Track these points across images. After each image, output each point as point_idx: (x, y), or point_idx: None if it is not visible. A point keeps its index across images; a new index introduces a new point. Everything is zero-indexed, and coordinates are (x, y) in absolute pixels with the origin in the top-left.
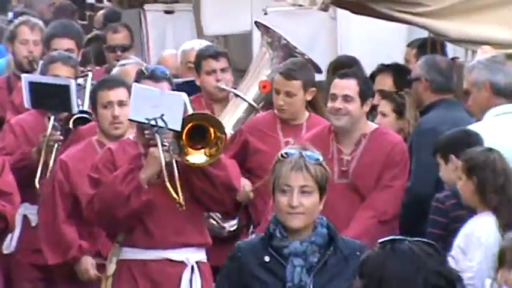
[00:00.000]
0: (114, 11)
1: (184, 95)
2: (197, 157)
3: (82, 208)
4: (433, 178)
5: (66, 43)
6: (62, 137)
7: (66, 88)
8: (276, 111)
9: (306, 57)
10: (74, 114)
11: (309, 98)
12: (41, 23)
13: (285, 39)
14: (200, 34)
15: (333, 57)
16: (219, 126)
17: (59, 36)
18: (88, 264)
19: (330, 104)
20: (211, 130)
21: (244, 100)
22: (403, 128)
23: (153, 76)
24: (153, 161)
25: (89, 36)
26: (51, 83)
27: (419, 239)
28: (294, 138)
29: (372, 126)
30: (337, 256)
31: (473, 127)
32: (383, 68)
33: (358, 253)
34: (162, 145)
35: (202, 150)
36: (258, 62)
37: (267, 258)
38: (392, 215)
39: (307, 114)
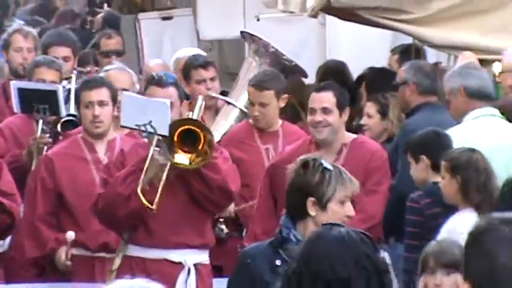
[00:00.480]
0: (113, 15)
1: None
2: (180, 157)
3: (66, 202)
4: None
5: (63, 51)
6: (51, 140)
7: (54, 93)
8: (250, 120)
9: (293, 63)
10: (61, 118)
11: (282, 105)
12: (34, 31)
13: (273, 47)
14: (198, 40)
15: (322, 61)
16: (211, 141)
17: (55, 44)
18: (62, 252)
19: (309, 118)
20: (203, 140)
21: (236, 106)
22: (386, 128)
23: (159, 82)
24: (152, 163)
25: (93, 41)
26: (40, 88)
27: (358, 230)
28: (272, 145)
29: (350, 136)
30: None
31: (454, 130)
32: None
33: None
34: (154, 148)
35: (189, 155)
36: (245, 70)
37: (278, 262)
38: (379, 218)
39: (280, 121)
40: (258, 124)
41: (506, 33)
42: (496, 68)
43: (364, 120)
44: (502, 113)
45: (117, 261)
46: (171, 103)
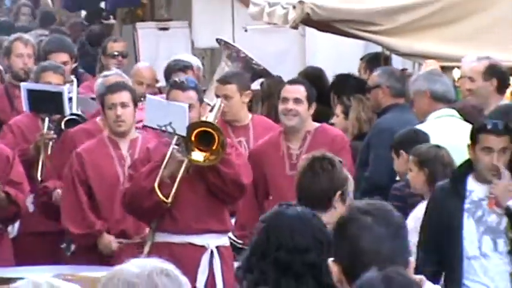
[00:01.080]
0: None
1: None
2: (196, 155)
3: (93, 193)
4: (389, 170)
5: (62, 56)
6: (55, 136)
7: (59, 94)
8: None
9: (261, 67)
10: (65, 116)
11: (245, 100)
12: (32, 39)
13: (244, 53)
14: (193, 48)
15: (302, 67)
16: (224, 141)
17: (55, 51)
18: (113, 240)
19: (281, 106)
20: (217, 141)
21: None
22: (347, 127)
23: (181, 86)
24: (171, 160)
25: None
26: (46, 90)
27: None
28: (244, 138)
29: (314, 124)
30: None
31: (420, 127)
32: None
33: None
34: (174, 146)
35: (204, 153)
36: (218, 73)
37: None
38: None
39: (250, 115)
40: (225, 117)
41: (465, 43)
42: (456, 74)
43: (333, 119)
44: (461, 114)
45: (147, 248)
46: (191, 105)
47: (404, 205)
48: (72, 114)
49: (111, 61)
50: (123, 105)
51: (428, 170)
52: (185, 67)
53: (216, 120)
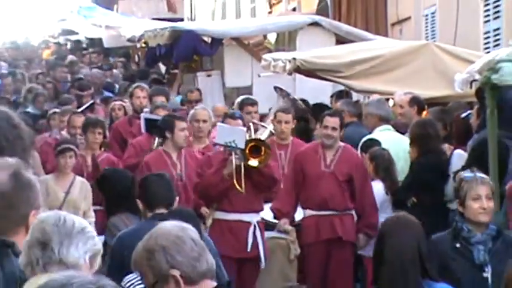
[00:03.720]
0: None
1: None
2: (253, 162)
3: None
4: None
5: (160, 98)
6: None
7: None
8: (275, 137)
9: (303, 106)
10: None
11: (293, 126)
12: (146, 86)
13: (291, 96)
14: (224, 87)
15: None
16: (268, 148)
17: (157, 94)
18: None
19: (324, 131)
20: (263, 149)
21: (266, 128)
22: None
23: (231, 116)
24: (230, 164)
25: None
26: (156, 118)
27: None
28: (284, 152)
29: (341, 143)
30: (503, 245)
31: (371, 136)
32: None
33: None
34: (235, 156)
35: (257, 159)
36: (277, 107)
37: (457, 245)
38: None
39: (291, 137)
40: (282, 135)
41: (397, 84)
42: (391, 103)
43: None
44: (394, 127)
45: (210, 221)
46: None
47: None
48: None
49: (190, 105)
50: (183, 129)
51: (375, 162)
52: (253, 103)
53: (267, 140)
